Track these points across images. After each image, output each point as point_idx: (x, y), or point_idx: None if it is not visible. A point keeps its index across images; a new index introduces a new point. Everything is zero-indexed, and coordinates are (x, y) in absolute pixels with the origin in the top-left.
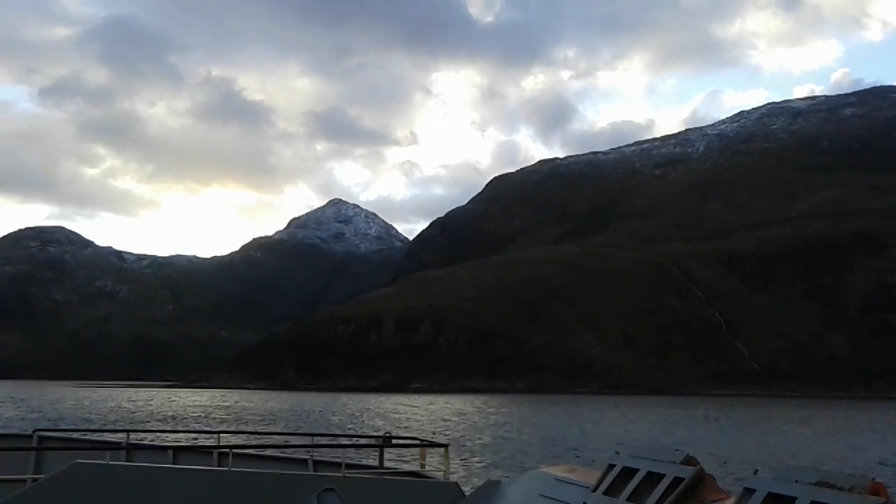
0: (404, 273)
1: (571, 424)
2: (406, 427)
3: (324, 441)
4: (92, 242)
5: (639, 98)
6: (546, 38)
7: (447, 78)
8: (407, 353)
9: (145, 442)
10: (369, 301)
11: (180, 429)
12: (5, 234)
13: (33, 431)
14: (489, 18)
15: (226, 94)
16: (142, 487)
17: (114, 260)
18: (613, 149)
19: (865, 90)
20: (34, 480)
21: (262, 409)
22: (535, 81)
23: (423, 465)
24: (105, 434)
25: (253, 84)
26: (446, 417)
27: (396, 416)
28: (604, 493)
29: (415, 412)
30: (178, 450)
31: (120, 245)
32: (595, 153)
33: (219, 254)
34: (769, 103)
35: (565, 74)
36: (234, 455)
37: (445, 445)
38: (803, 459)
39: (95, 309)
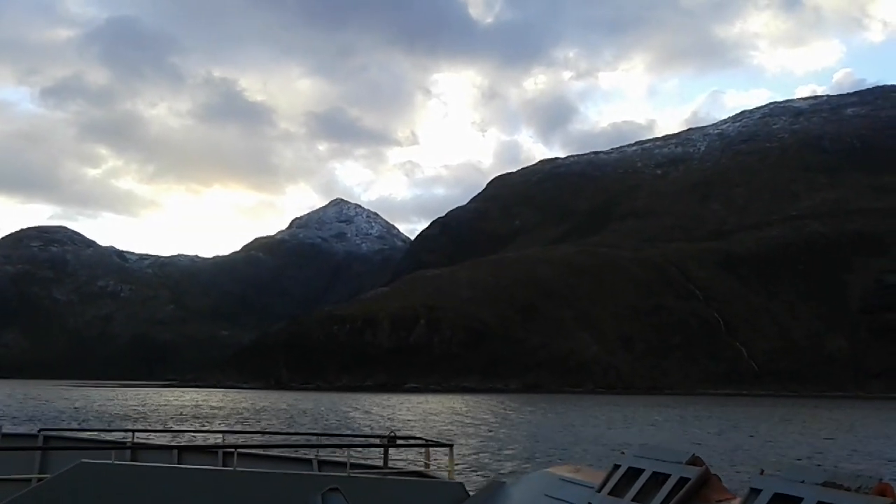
0: (404, 273)
1: (573, 424)
2: (409, 426)
3: (328, 441)
4: (94, 242)
5: (640, 99)
6: (546, 39)
7: (448, 79)
8: (402, 352)
9: (150, 441)
10: (365, 301)
11: (185, 428)
12: (7, 233)
13: (39, 431)
14: (489, 19)
15: (227, 94)
16: (146, 487)
17: (115, 260)
18: (615, 148)
19: (867, 90)
20: (39, 480)
21: (233, 408)
22: (535, 82)
23: (427, 465)
24: (110, 434)
25: (254, 85)
26: (444, 416)
27: (390, 414)
28: (609, 494)
29: (411, 411)
30: (182, 449)
31: (122, 245)
32: (596, 153)
33: (220, 254)
34: (771, 103)
35: (566, 75)
36: (239, 455)
37: (450, 445)
38: (808, 459)
39: (97, 308)
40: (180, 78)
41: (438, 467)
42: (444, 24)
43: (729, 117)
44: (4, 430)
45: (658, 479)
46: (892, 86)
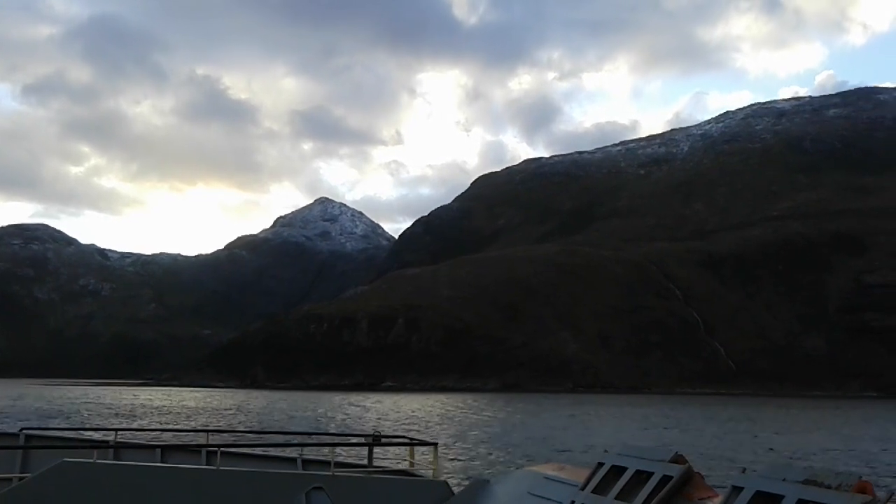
0: (387, 272)
1: (555, 423)
2: (386, 425)
3: (313, 440)
4: (75, 240)
5: (624, 99)
6: (530, 40)
7: (432, 79)
8: (380, 352)
9: (134, 440)
10: (344, 300)
11: (169, 427)
12: None
13: (20, 430)
14: (473, 20)
15: (210, 93)
16: (129, 486)
17: (97, 258)
18: (599, 148)
19: (849, 91)
20: (21, 479)
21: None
22: (520, 82)
23: (412, 464)
24: (93, 432)
25: (238, 83)
26: (422, 415)
27: (360, 414)
28: (592, 492)
29: (384, 409)
30: (166, 448)
31: (104, 243)
32: (580, 153)
33: (203, 252)
34: (754, 104)
35: (550, 75)
36: (223, 453)
37: (434, 444)
38: (789, 457)
39: (77, 307)
40: (164, 76)
41: (423, 466)
42: (428, 25)
43: (712, 118)
44: None
45: (641, 476)
46: (874, 87)
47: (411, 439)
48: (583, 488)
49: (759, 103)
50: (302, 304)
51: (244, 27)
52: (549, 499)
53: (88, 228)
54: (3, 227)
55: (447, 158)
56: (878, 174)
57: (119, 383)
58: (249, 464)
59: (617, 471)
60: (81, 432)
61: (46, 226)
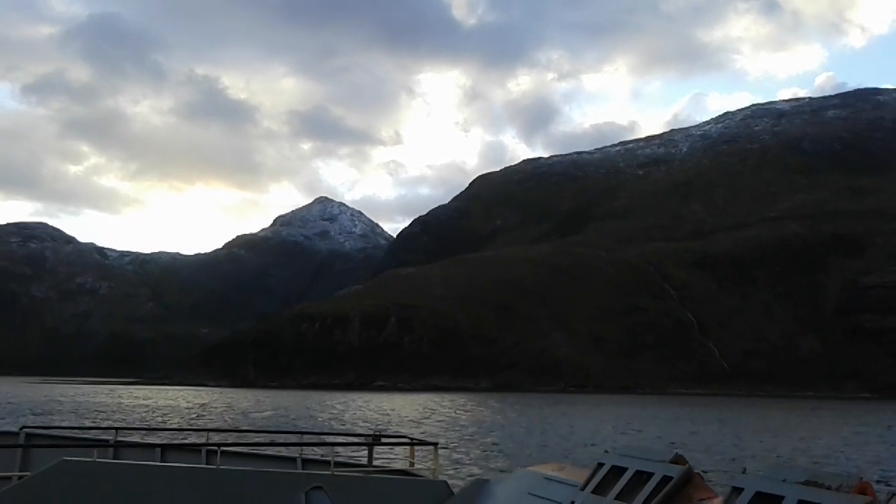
0: (384, 271)
1: (553, 424)
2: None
3: (312, 439)
4: (74, 239)
5: (623, 101)
6: (529, 41)
7: (431, 79)
8: (371, 351)
9: (133, 439)
10: (337, 299)
11: (169, 426)
12: None
13: (20, 429)
14: (472, 21)
15: (209, 92)
16: (129, 485)
17: (95, 256)
18: (598, 149)
19: (849, 92)
20: (20, 478)
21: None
22: (518, 83)
23: (411, 464)
24: (93, 431)
25: (237, 83)
26: (420, 416)
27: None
28: (592, 492)
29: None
30: (166, 447)
31: (104, 242)
32: (579, 153)
33: (202, 251)
34: (754, 105)
35: (549, 76)
36: (223, 453)
37: (434, 444)
38: (788, 458)
39: (74, 305)
40: (163, 75)
41: (422, 466)
42: (427, 25)
43: (711, 118)
44: None
45: (641, 477)
46: (873, 88)
47: (411, 439)
48: (583, 489)
49: (758, 104)
50: (300, 303)
51: (243, 27)
52: (548, 499)
53: (88, 227)
54: (2, 226)
55: (446, 159)
56: (876, 175)
57: (110, 382)
58: (249, 463)
59: (617, 471)
60: (81, 431)
61: (45, 224)
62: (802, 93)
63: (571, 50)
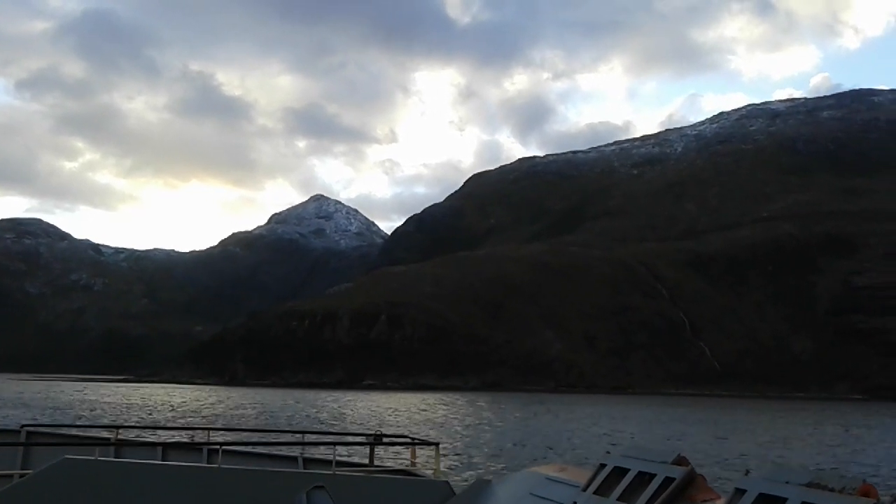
0: (377, 269)
1: (553, 424)
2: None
3: (314, 438)
4: (68, 235)
5: (618, 100)
6: (524, 40)
7: (426, 77)
8: (361, 349)
9: (135, 438)
10: (327, 297)
11: (171, 425)
12: None
13: (21, 426)
14: (467, 19)
15: (204, 89)
16: (130, 483)
17: (90, 253)
18: (593, 148)
19: (844, 93)
20: (22, 476)
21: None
22: (513, 82)
23: (413, 464)
24: (94, 430)
25: (232, 80)
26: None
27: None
28: (594, 493)
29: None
30: (167, 446)
31: (99, 239)
32: (574, 152)
33: (197, 248)
34: (749, 105)
35: (544, 75)
36: (224, 452)
37: (436, 444)
38: (789, 459)
39: (69, 302)
40: (157, 71)
41: (424, 466)
42: (422, 23)
43: (706, 118)
44: None
45: (644, 478)
46: (868, 89)
47: (413, 439)
48: (584, 489)
49: (753, 104)
50: (296, 300)
51: (238, 24)
52: (550, 500)
53: (83, 223)
54: None
55: (442, 157)
56: (869, 176)
57: (98, 380)
58: (251, 462)
59: (619, 472)
60: (83, 429)
61: (40, 220)
62: (797, 93)
63: (566, 49)
